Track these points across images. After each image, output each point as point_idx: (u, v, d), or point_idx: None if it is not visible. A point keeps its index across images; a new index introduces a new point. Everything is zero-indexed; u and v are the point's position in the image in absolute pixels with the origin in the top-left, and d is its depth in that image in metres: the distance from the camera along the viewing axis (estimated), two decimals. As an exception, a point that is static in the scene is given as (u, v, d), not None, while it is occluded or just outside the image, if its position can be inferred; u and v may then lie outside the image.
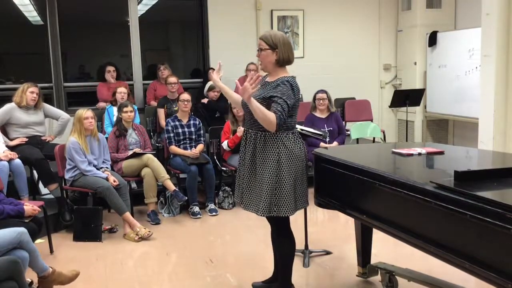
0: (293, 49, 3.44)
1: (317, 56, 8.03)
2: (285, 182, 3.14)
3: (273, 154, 3.13)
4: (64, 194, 5.19)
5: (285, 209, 3.18)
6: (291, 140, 3.16)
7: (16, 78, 6.98)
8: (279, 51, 3.17)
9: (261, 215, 3.21)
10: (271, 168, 3.13)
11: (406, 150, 3.38)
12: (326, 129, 5.78)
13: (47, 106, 5.63)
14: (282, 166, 3.13)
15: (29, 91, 5.29)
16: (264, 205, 3.16)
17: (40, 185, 5.50)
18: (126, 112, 5.43)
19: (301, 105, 7.05)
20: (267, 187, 3.14)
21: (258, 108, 3.00)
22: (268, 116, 2.99)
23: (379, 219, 2.90)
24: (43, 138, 5.46)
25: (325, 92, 5.99)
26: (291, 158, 3.15)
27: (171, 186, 5.24)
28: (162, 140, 5.97)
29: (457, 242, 2.36)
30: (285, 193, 3.16)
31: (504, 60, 5.20)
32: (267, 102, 3.09)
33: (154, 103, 6.83)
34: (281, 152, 3.13)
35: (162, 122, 6.23)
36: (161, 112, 6.37)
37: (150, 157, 5.32)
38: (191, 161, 5.49)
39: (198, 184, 5.61)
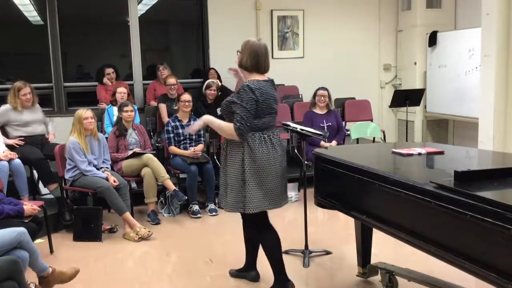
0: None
1: (317, 56, 8.03)
2: (249, 181, 3.27)
3: (238, 154, 3.31)
4: (64, 194, 5.18)
5: (249, 207, 3.30)
6: (256, 141, 3.29)
7: (16, 78, 6.97)
8: (241, 56, 3.39)
9: (226, 210, 3.42)
10: (236, 167, 3.32)
11: (406, 150, 3.38)
12: (325, 124, 5.81)
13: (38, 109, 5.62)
14: (245, 166, 3.28)
15: (21, 95, 5.26)
16: (229, 201, 3.36)
17: (40, 185, 5.50)
18: (127, 111, 5.43)
19: (301, 105, 7.10)
20: (232, 184, 3.34)
21: (215, 126, 3.39)
22: (227, 130, 3.29)
23: (379, 219, 2.90)
24: (47, 136, 5.46)
25: (326, 89, 6.03)
26: (255, 159, 3.27)
27: (171, 186, 5.24)
28: (162, 140, 5.97)
29: (457, 242, 2.36)
30: (248, 191, 3.28)
31: (504, 60, 5.20)
32: (232, 106, 3.29)
33: (154, 103, 6.83)
34: (245, 152, 3.28)
35: (165, 117, 6.21)
36: (163, 107, 6.35)
37: (150, 157, 5.32)
38: (191, 161, 5.50)
39: (198, 184, 5.61)
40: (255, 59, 3.37)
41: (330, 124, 5.93)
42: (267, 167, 3.31)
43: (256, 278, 3.78)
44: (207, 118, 3.47)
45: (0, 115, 5.27)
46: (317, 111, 6.01)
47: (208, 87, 6.37)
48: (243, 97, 3.23)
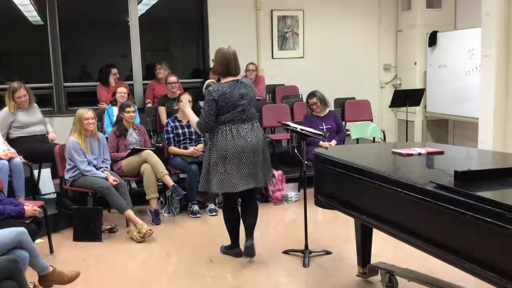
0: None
1: (317, 56, 8.03)
2: (212, 165, 3.96)
3: (209, 143, 4.04)
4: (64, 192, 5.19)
5: (212, 187, 3.99)
6: (218, 133, 3.94)
7: (16, 78, 6.96)
8: (214, 64, 4.07)
9: (199, 189, 4.17)
10: (206, 154, 4.05)
11: (406, 150, 3.38)
12: (325, 127, 5.77)
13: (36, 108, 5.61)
14: (211, 153, 3.98)
15: (16, 97, 5.24)
16: (201, 181, 4.09)
17: (40, 185, 5.50)
18: (129, 112, 5.43)
19: (301, 105, 7.08)
20: (204, 167, 4.05)
21: (190, 118, 4.24)
22: (194, 124, 4.12)
23: (379, 219, 2.90)
24: (46, 135, 5.46)
25: (314, 95, 5.90)
26: (216, 148, 3.93)
27: (169, 181, 5.22)
28: (162, 140, 5.97)
29: (457, 242, 2.36)
30: (212, 174, 3.97)
31: (504, 60, 5.20)
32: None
33: (150, 103, 6.84)
34: (211, 142, 4.00)
35: (164, 119, 6.22)
36: (162, 110, 6.36)
37: (149, 153, 5.30)
38: (191, 160, 5.50)
39: (198, 184, 5.60)
40: (225, 65, 3.96)
41: (330, 126, 5.88)
42: (225, 155, 3.89)
43: (239, 254, 4.21)
44: (188, 110, 4.24)
45: (3, 119, 5.24)
46: (316, 113, 5.97)
47: (207, 87, 6.37)
48: (205, 100, 3.93)
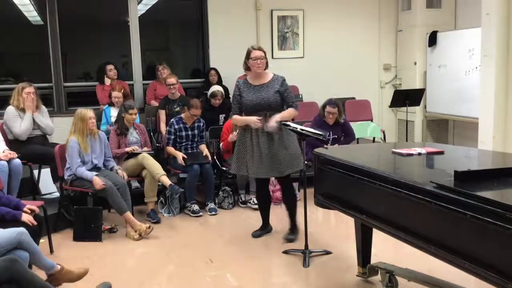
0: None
1: (317, 56, 8.03)
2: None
3: (279, 133, 4.36)
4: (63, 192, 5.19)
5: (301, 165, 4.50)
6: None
7: (16, 78, 6.97)
8: (266, 60, 4.59)
9: (286, 173, 4.50)
10: (296, 140, 4.48)
11: (406, 150, 3.38)
12: (331, 136, 5.65)
13: (45, 111, 5.60)
14: (288, 142, 4.44)
15: (25, 92, 5.24)
16: (291, 164, 4.43)
17: (40, 185, 5.50)
18: (131, 114, 5.43)
19: (302, 105, 7.10)
20: (294, 153, 4.43)
21: (286, 116, 4.37)
22: (293, 113, 4.47)
23: (379, 219, 2.90)
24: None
25: (337, 105, 5.65)
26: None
27: (167, 181, 5.20)
28: (163, 140, 5.98)
29: (457, 242, 2.36)
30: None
31: (504, 60, 5.21)
32: (277, 94, 4.43)
33: (154, 103, 6.83)
34: (284, 132, 4.40)
35: (163, 125, 6.21)
36: (162, 114, 6.35)
37: (144, 156, 5.30)
38: (192, 161, 5.50)
39: (198, 184, 5.61)
40: None
41: (336, 136, 5.73)
42: None
43: (271, 230, 4.79)
44: (278, 116, 4.29)
45: (14, 116, 5.22)
46: (326, 120, 5.74)
47: (214, 96, 6.31)
48: (288, 85, 4.53)
